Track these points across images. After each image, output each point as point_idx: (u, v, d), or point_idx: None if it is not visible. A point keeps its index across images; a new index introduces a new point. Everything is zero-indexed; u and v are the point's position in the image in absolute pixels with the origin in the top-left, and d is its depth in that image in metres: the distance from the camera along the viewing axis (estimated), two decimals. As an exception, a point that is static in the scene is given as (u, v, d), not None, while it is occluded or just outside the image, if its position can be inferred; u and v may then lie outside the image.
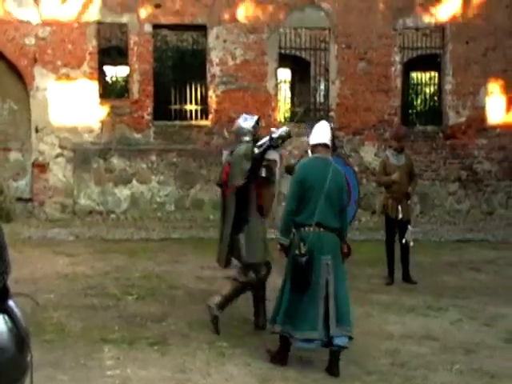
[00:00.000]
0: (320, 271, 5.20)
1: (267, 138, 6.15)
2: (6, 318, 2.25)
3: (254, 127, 6.37)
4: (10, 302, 2.32)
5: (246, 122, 6.44)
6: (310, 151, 5.65)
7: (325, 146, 5.49)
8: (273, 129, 6.60)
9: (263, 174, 6.24)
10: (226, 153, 6.75)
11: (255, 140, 6.30)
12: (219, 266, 6.64)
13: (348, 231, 8.24)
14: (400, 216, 8.48)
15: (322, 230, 5.27)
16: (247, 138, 6.31)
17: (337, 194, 5.33)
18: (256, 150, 6.10)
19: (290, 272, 5.34)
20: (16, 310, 2.32)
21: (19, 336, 2.27)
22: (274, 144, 6.14)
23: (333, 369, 5.20)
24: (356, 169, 12.77)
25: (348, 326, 5.24)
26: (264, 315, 6.37)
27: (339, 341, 5.21)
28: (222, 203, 6.55)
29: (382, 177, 8.86)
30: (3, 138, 13.32)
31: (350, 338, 5.30)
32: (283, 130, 6.24)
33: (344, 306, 5.28)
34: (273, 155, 6.28)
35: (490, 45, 14.25)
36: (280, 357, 5.48)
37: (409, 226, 8.61)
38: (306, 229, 5.29)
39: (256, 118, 6.53)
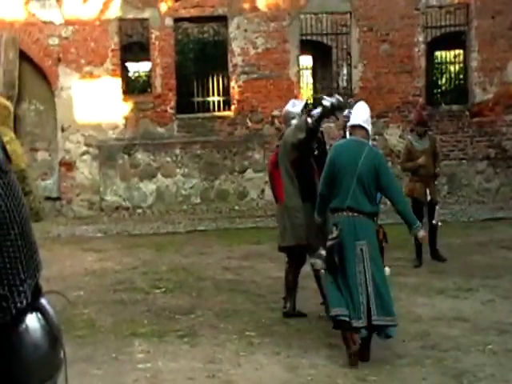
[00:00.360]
0: (354, 257, 5.04)
1: (319, 108, 5.97)
2: (39, 315, 2.27)
3: (302, 111, 6.31)
4: (42, 300, 2.33)
5: (295, 107, 6.42)
6: (348, 134, 5.54)
7: (361, 127, 5.22)
8: (324, 96, 6.46)
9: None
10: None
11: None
12: (294, 243, 6.32)
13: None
14: (429, 198, 8.52)
15: (355, 214, 5.08)
16: (294, 122, 6.26)
17: (371, 177, 5.06)
18: (309, 120, 5.93)
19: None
20: (48, 307, 2.33)
21: (52, 333, 2.28)
22: (327, 112, 5.89)
23: (363, 353, 5.13)
24: (381, 152, 12.61)
25: (391, 316, 5.06)
26: (293, 301, 6.37)
27: (387, 331, 5.09)
28: (272, 190, 6.59)
29: (407, 163, 8.82)
30: (30, 138, 13.51)
31: (394, 326, 5.16)
32: (335, 98, 5.94)
33: (385, 293, 5.09)
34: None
35: (516, 18, 13.94)
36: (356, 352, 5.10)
37: (437, 207, 8.65)
38: (339, 213, 5.15)
39: (304, 102, 6.57)
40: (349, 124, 5.44)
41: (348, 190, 5.06)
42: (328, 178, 5.27)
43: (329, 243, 5.13)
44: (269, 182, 6.77)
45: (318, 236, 6.06)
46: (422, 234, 5.35)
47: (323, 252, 5.98)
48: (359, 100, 13.31)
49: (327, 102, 5.88)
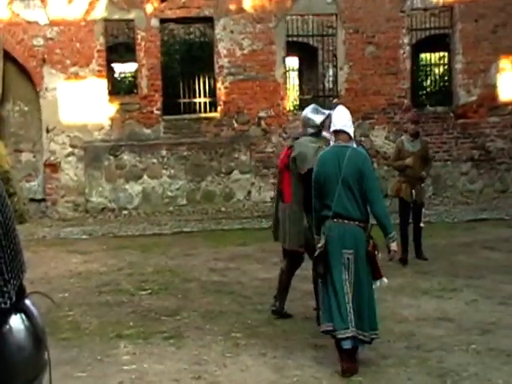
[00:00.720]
0: (341, 266, 4.90)
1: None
2: (23, 316, 2.27)
3: (322, 123, 6.21)
4: (27, 301, 2.33)
5: (317, 115, 6.23)
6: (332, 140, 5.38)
7: (342, 132, 5.12)
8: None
9: None
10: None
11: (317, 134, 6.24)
12: (294, 247, 6.32)
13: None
14: (414, 199, 8.69)
15: (343, 221, 4.94)
16: (312, 131, 6.22)
17: (355, 179, 4.92)
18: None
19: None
20: (32, 308, 2.33)
21: (36, 334, 2.28)
22: None
23: (349, 366, 4.98)
24: (364, 153, 12.67)
25: (366, 332, 4.91)
26: (282, 300, 6.41)
27: (357, 342, 4.95)
28: (278, 189, 6.57)
29: (395, 162, 9.05)
30: (15, 139, 13.41)
31: (370, 342, 5.01)
32: None
33: (363, 308, 4.91)
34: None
35: (499, 21, 14.09)
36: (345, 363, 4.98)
37: (423, 210, 8.86)
38: (328, 221, 5.00)
39: (327, 113, 6.20)
40: (330, 130, 5.37)
41: (334, 197, 4.94)
42: (317, 190, 5.15)
43: (315, 253, 5.08)
44: (277, 178, 6.73)
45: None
46: (394, 246, 5.10)
47: None
48: (345, 102, 13.46)
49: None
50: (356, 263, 4.91)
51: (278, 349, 5.56)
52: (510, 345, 5.43)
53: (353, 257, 4.91)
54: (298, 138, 6.35)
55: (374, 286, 5.04)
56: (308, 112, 6.31)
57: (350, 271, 4.90)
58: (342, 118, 5.18)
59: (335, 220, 4.96)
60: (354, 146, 5.26)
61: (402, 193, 8.76)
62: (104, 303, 7.14)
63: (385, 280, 5.11)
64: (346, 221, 4.95)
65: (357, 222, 4.96)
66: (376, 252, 5.01)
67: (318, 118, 6.21)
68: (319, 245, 5.02)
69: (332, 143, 5.34)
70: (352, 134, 5.20)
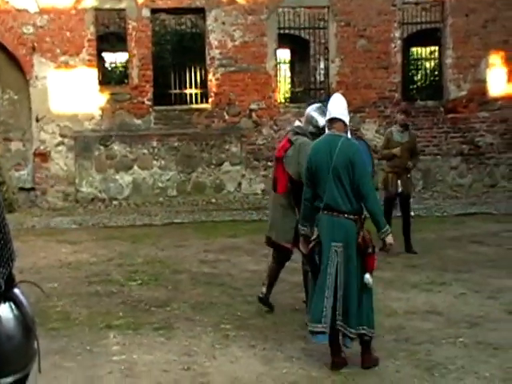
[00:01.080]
0: (328, 259, 4.77)
1: None
2: (12, 305, 2.27)
3: (324, 126, 6.21)
4: (16, 290, 2.33)
5: (321, 116, 6.03)
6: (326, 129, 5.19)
7: (336, 120, 4.92)
8: None
9: None
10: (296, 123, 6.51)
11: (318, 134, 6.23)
12: (283, 243, 6.31)
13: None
14: (400, 190, 8.83)
15: (333, 213, 4.79)
16: (313, 130, 6.16)
17: (346, 171, 4.75)
18: None
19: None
20: (22, 297, 2.33)
21: (25, 323, 2.28)
22: None
23: (335, 360, 4.97)
24: (356, 143, 12.70)
25: (353, 329, 4.80)
26: (269, 289, 6.41)
27: (345, 340, 4.89)
28: (273, 177, 6.50)
29: (384, 150, 9.20)
30: (4, 128, 13.33)
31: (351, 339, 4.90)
32: None
33: (351, 304, 4.77)
34: None
35: (489, 16, 14.14)
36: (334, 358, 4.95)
37: (410, 200, 9.02)
38: (320, 213, 4.87)
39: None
40: (325, 119, 5.20)
41: (325, 188, 4.82)
42: (308, 179, 5.04)
43: (310, 245, 5.01)
44: (273, 167, 6.65)
45: None
46: (390, 239, 4.96)
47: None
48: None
49: None
50: (345, 257, 4.78)
51: (268, 341, 5.58)
52: (498, 338, 5.47)
53: (341, 250, 4.78)
54: (298, 133, 6.24)
55: (366, 280, 4.84)
56: (313, 110, 6.25)
57: (338, 265, 4.77)
58: (337, 106, 4.97)
59: (325, 212, 4.84)
60: (349, 135, 5.09)
61: (388, 183, 8.91)
62: (94, 293, 7.12)
63: (367, 276, 4.84)
64: (335, 213, 4.80)
65: (346, 215, 4.80)
66: (366, 246, 4.80)
67: (321, 120, 6.05)
68: (313, 237, 4.95)
69: (327, 131, 5.18)
70: (347, 123, 5.02)
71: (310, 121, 6.21)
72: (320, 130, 6.09)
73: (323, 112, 6.04)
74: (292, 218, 6.14)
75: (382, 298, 6.68)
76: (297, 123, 6.52)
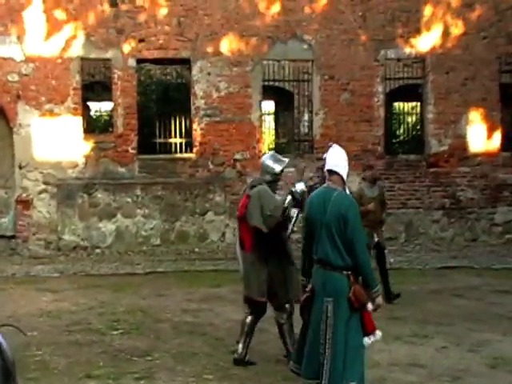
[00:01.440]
0: (320, 314, 4.66)
1: (288, 196, 6.23)
2: (-7, 349, 2.30)
3: (281, 171, 6.35)
4: (-4, 334, 2.36)
5: (275, 163, 6.32)
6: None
7: (332, 172, 4.85)
8: (292, 187, 6.46)
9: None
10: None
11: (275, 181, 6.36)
12: (255, 298, 6.35)
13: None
14: (376, 240, 9.11)
15: (325, 267, 4.68)
16: (270, 178, 6.31)
17: (338, 226, 4.62)
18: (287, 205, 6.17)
19: None
20: (2, 341, 2.37)
21: (5, 367, 2.32)
22: (298, 198, 6.21)
23: None
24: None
25: None
26: (245, 347, 6.36)
27: None
28: (239, 236, 6.53)
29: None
30: (-14, 175, 13.35)
31: None
32: (301, 185, 6.29)
33: (336, 365, 4.55)
34: (291, 212, 6.37)
35: (469, 75, 14.55)
36: None
37: (385, 251, 9.33)
38: (314, 266, 4.80)
39: (286, 161, 6.42)
40: (325, 169, 5.09)
41: (318, 242, 4.73)
42: (305, 232, 4.98)
43: (302, 297, 4.98)
44: (237, 227, 6.69)
45: (282, 290, 6.21)
46: (380, 300, 4.80)
47: (287, 306, 6.23)
48: (319, 147, 13.69)
49: (297, 188, 6.21)
50: (335, 312, 4.61)
51: (250, 392, 5.58)
52: (479, 392, 5.53)
53: (331, 306, 4.62)
54: (255, 186, 6.35)
55: (364, 344, 4.68)
56: (267, 159, 6.39)
57: (327, 321, 4.63)
58: (333, 158, 4.89)
59: (319, 265, 4.75)
60: (347, 190, 4.95)
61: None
62: (74, 342, 7.07)
63: (378, 333, 4.72)
64: (327, 267, 4.68)
65: (338, 270, 4.65)
66: (357, 302, 4.60)
67: (277, 167, 6.32)
68: (307, 289, 4.87)
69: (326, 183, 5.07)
70: (345, 176, 4.85)
71: (266, 170, 6.34)
72: (277, 177, 6.32)
73: (277, 159, 6.37)
74: (263, 271, 6.20)
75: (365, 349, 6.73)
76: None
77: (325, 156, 8.86)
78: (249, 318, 6.38)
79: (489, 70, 14.61)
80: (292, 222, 6.44)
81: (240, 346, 6.33)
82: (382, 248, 9.25)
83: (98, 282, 10.52)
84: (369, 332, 4.68)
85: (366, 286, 4.69)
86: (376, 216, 9.06)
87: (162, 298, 9.37)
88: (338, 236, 4.63)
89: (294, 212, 6.38)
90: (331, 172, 4.86)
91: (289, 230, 6.47)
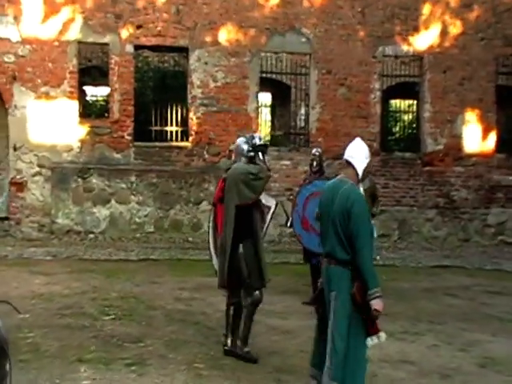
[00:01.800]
0: (327, 308, 4.61)
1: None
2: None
3: (253, 147, 6.34)
4: (-11, 312, 2.36)
5: (246, 143, 6.37)
6: None
7: (347, 163, 4.71)
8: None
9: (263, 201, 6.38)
10: None
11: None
12: (218, 288, 6.44)
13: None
14: None
15: (331, 260, 4.60)
16: (245, 160, 6.29)
17: (342, 219, 4.50)
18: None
19: None
20: (-2, 319, 2.37)
21: (0, 346, 2.32)
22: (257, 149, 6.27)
23: None
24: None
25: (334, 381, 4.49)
26: (235, 335, 6.36)
27: None
28: (214, 221, 6.49)
29: None
30: (-20, 156, 13.28)
31: None
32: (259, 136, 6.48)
33: (336, 364, 4.47)
34: (269, 202, 6.40)
35: (466, 75, 14.61)
36: None
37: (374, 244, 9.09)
38: (323, 261, 4.76)
39: (257, 137, 6.44)
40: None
41: (326, 235, 4.66)
42: (319, 226, 4.93)
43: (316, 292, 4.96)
44: (212, 214, 6.60)
45: (255, 274, 6.20)
46: (376, 304, 4.45)
47: (257, 292, 6.21)
48: (315, 141, 13.66)
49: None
50: (335, 307, 4.52)
51: (241, 381, 5.57)
52: (469, 391, 5.56)
53: (334, 299, 4.53)
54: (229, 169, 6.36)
55: (368, 344, 4.55)
56: (242, 143, 6.38)
57: (331, 315, 4.56)
58: (351, 149, 4.75)
59: (326, 260, 4.69)
60: (360, 186, 4.79)
61: None
62: (65, 326, 7.05)
63: (382, 335, 4.56)
64: (332, 261, 4.61)
65: (343, 264, 4.55)
66: (358, 298, 4.47)
67: (246, 146, 6.31)
68: (319, 284, 4.83)
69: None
70: (360, 171, 4.68)
71: (241, 153, 6.34)
72: (252, 158, 6.29)
73: (246, 139, 6.38)
74: (226, 260, 6.15)
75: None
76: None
77: (314, 151, 8.91)
78: (231, 309, 6.37)
79: (486, 70, 14.66)
80: (270, 212, 6.47)
81: (228, 338, 6.33)
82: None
83: (91, 267, 10.50)
84: (372, 332, 4.55)
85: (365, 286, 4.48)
86: None
87: (154, 285, 9.35)
88: (341, 230, 4.53)
89: (272, 202, 6.44)
90: (347, 163, 4.74)
91: (267, 222, 6.50)
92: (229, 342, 6.34)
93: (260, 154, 6.33)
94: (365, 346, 4.58)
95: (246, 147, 6.35)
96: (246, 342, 6.23)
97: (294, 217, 8.43)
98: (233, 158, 6.62)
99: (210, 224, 6.59)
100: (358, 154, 4.72)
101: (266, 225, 6.56)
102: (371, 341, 4.55)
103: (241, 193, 6.10)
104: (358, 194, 4.66)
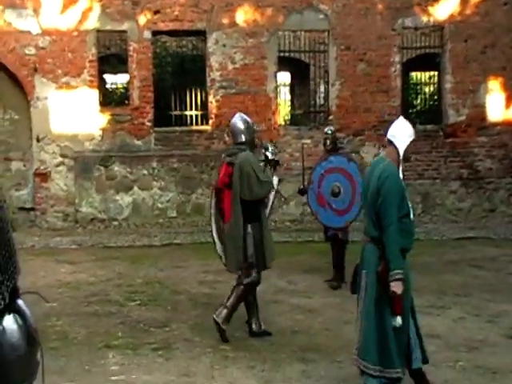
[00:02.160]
0: (359, 289, 4.62)
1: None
2: (17, 317, 2.32)
3: (249, 129, 6.37)
4: (19, 301, 2.39)
5: (242, 121, 6.39)
6: None
7: (388, 142, 4.67)
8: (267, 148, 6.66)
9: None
10: None
11: (251, 142, 6.36)
12: (231, 271, 6.44)
13: (349, 233, 8.44)
14: None
15: (366, 238, 4.63)
16: (243, 139, 6.30)
17: (373, 197, 4.52)
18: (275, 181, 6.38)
19: None
20: (25, 308, 2.40)
21: (29, 334, 2.34)
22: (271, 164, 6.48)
23: None
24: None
25: (366, 361, 4.50)
26: (257, 319, 6.37)
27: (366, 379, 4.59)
28: (218, 207, 6.41)
29: None
30: (4, 148, 13.40)
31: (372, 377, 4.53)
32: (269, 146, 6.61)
33: (367, 337, 4.48)
34: (273, 180, 6.39)
35: (488, 42, 14.29)
36: None
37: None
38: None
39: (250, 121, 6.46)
40: None
41: (364, 212, 4.77)
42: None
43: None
44: (214, 198, 6.45)
45: (259, 254, 6.19)
46: (394, 286, 4.33)
47: (255, 274, 6.21)
48: (335, 118, 13.56)
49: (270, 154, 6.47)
50: (365, 285, 4.53)
51: (266, 362, 5.60)
52: (496, 362, 5.50)
53: (364, 279, 4.55)
54: (234, 154, 6.25)
55: (395, 324, 4.42)
56: (239, 121, 6.36)
57: (360, 294, 4.58)
58: (394, 128, 4.70)
59: (363, 236, 4.70)
60: (400, 168, 4.61)
61: None
62: (92, 313, 7.14)
63: (397, 319, 4.39)
64: (366, 238, 4.62)
65: (373, 242, 4.53)
66: (380, 274, 4.42)
67: (240, 125, 6.32)
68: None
69: None
70: (401, 151, 4.58)
71: (237, 131, 6.32)
72: (251, 137, 6.32)
73: (242, 117, 6.41)
74: (239, 243, 6.12)
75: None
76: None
77: (326, 129, 8.86)
78: (245, 292, 6.30)
79: (509, 37, 14.32)
80: (273, 190, 6.46)
81: (253, 321, 6.34)
82: None
83: (115, 254, 10.58)
84: (397, 313, 4.41)
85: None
86: None
87: (178, 269, 9.41)
88: (372, 206, 4.54)
89: (275, 180, 6.42)
90: (388, 142, 4.69)
91: (271, 200, 6.49)
92: (253, 325, 6.34)
93: (269, 167, 6.34)
94: (392, 326, 4.45)
95: (242, 126, 6.29)
96: (228, 321, 6.18)
97: (309, 194, 8.38)
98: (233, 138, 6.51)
99: (212, 211, 6.48)
100: (401, 133, 4.64)
101: (271, 202, 6.53)
102: (393, 322, 4.44)
103: (252, 189, 6.07)
104: (392, 172, 4.53)
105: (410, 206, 4.60)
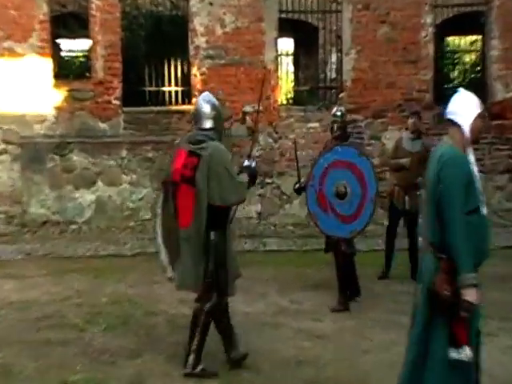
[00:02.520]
0: (414, 305, 4.67)
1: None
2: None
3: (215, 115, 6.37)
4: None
5: (208, 105, 6.37)
6: None
7: (449, 122, 4.65)
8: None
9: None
10: None
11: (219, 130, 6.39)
12: (185, 290, 6.47)
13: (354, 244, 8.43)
14: (407, 207, 9.50)
15: (425, 245, 4.66)
16: (209, 125, 6.29)
17: (432, 188, 4.51)
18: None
19: None
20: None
21: None
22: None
23: None
24: (377, 160, 12.86)
25: None
26: (234, 346, 6.39)
27: None
28: (166, 205, 6.34)
29: (391, 160, 9.85)
30: None
31: None
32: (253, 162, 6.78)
33: (404, 370, 4.64)
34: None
35: (547, -3, 14.31)
36: None
37: (419, 220, 9.24)
38: None
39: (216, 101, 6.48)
40: None
41: (423, 214, 4.82)
42: None
43: None
44: (164, 193, 6.40)
45: (222, 270, 6.18)
46: (468, 294, 4.44)
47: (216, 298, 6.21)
48: (351, 96, 13.57)
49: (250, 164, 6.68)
50: (417, 305, 4.58)
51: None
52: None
53: (419, 296, 4.59)
54: (200, 142, 6.20)
55: (450, 357, 4.43)
56: (205, 102, 6.36)
57: (415, 318, 4.65)
58: (453, 103, 4.68)
59: (422, 244, 4.81)
60: (469, 150, 4.62)
61: (394, 197, 9.64)
62: (44, 341, 7.14)
63: (466, 351, 4.44)
64: (425, 244, 4.65)
65: (432, 249, 4.52)
66: (444, 297, 4.40)
67: (207, 109, 6.32)
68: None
69: None
70: (466, 128, 4.55)
71: (206, 117, 6.30)
72: (220, 123, 6.38)
73: (209, 98, 6.41)
74: (200, 256, 6.08)
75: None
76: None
77: (334, 110, 8.90)
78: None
79: None
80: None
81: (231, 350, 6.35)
82: (413, 216, 9.40)
83: (73, 266, 10.62)
84: (456, 344, 4.43)
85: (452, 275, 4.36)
86: (411, 175, 9.34)
87: (154, 285, 9.36)
88: (432, 202, 4.48)
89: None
90: (450, 122, 4.64)
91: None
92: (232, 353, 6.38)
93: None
94: (447, 361, 4.43)
95: (209, 110, 6.28)
96: (199, 360, 6.15)
97: (308, 192, 8.36)
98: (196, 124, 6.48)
99: (159, 210, 6.45)
100: (463, 107, 4.60)
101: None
102: (453, 353, 4.40)
103: (223, 193, 6.06)
104: (453, 155, 4.49)
105: (483, 199, 4.51)
